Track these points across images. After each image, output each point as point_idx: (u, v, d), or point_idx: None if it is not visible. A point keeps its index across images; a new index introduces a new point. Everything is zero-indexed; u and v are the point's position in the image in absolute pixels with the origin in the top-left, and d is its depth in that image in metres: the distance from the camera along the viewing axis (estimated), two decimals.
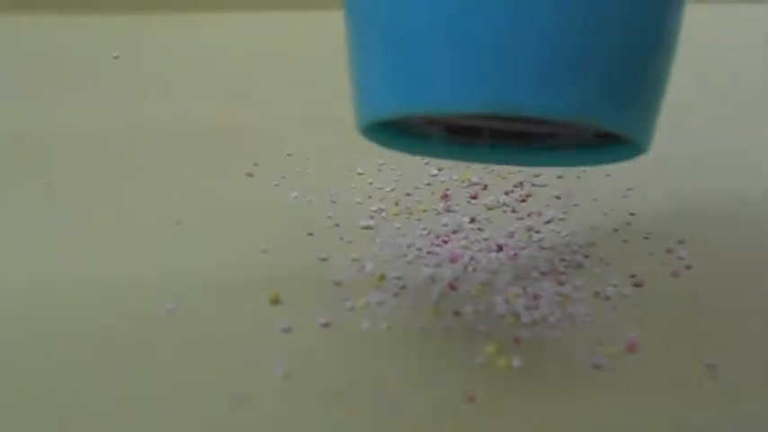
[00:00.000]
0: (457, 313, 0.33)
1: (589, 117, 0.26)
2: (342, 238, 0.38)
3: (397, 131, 0.32)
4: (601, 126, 0.27)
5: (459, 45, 0.26)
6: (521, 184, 0.43)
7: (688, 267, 0.36)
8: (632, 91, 0.27)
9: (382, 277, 0.35)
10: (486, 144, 0.33)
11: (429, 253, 0.37)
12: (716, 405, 0.29)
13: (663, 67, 0.28)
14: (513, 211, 0.41)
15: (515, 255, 0.37)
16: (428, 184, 0.43)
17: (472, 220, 0.40)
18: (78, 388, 0.28)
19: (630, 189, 0.43)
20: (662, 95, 0.29)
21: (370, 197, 0.42)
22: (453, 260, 0.36)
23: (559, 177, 0.44)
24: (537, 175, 0.44)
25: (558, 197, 0.42)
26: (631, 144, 0.30)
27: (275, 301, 0.33)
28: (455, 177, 0.44)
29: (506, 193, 0.43)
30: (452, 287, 0.35)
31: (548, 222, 0.40)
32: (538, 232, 0.39)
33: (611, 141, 0.32)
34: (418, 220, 0.40)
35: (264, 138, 0.48)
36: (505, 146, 0.33)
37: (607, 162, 0.32)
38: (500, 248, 0.37)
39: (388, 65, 0.27)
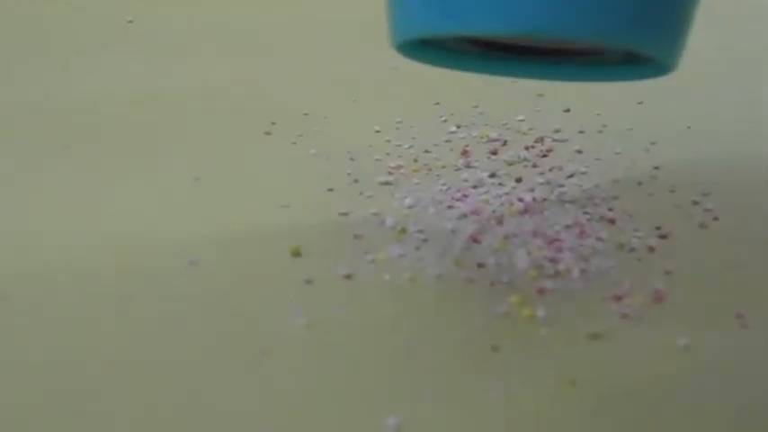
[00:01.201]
0: (480, 265, 0.32)
1: (616, 41, 0.27)
2: (361, 194, 0.38)
3: (430, 46, 0.33)
4: (624, 48, 0.28)
5: None
6: (541, 140, 0.43)
7: (715, 219, 0.35)
8: (657, 13, 0.27)
9: (403, 230, 0.35)
10: (520, 59, 0.33)
11: (450, 207, 0.37)
12: (746, 353, 0.28)
13: None
14: (534, 166, 0.40)
15: (538, 209, 0.36)
16: (447, 141, 0.43)
17: (492, 176, 0.39)
18: (99, 344, 0.28)
19: (654, 143, 0.42)
20: (691, 20, 0.29)
21: (388, 154, 0.41)
22: (476, 213, 0.36)
23: (581, 132, 0.43)
24: (558, 131, 0.43)
25: (580, 152, 0.41)
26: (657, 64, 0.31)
27: (296, 253, 0.33)
28: (474, 134, 0.43)
29: (527, 149, 0.42)
30: (475, 240, 0.34)
31: (570, 177, 0.39)
32: (560, 186, 0.38)
33: (639, 59, 0.32)
34: (437, 176, 0.39)
35: (281, 97, 0.47)
36: (539, 61, 0.33)
37: (641, 78, 0.32)
38: (521, 201, 0.37)
39: None
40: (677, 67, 0.30)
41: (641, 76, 0.32)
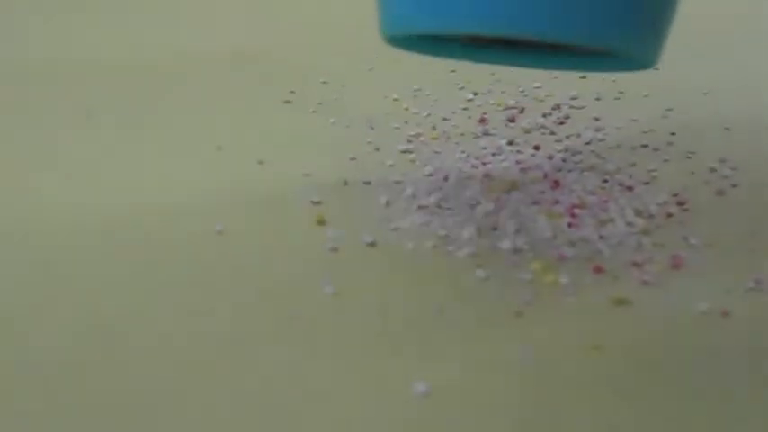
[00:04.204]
0: (501, 233, 0.33)
1: (600, 43, 0.28)
2: (382, 163, 0.38)
3: (417, 36, 0.34)
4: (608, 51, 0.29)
5: None
6: (558, 107, 0.43)
7: (734, 186, 0.36)
8: (634, 15, 0.28)
9: (425, 198, 0.35)
10: (507, 49, 0.34)
11: (470, 176, 0.37)
12: (764, 318, 0.29)
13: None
14: (552, 134, 0.41)
15: (556, 176, 0.37)
16: (464, 109, 0.43)
17: (510, 143, 0.40)
18: (128, 311, 0.29)
19: (670, 109, 0.42)
20: (670, 15, 0.30)
21: (406, 122, 0.42)
22: (496, 180, 0.36)
23: (597, 100, 0.44)
24: (574, 98, 0.44)
25: (597, 119, 0.42)
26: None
27: (321, 222, 0.33)
28: (491, 102, 0.44)
29: (544, 116, 0.42)
30: (496, 207, 0.35)
31: (587, 144, 0.40)
32: (578, 153, 0.39)
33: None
34: (456, 143, 0.40)
35: (299, 66, 0.47)
36: (524, 51, 0.34)
37: (625, 69, 0.33)
38: (540, 168, 0.37)
39: None
40: (657, 61, 0.31)
41: (625, 68, 0.33)
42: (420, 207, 0.35)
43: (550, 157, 0.38)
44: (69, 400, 0.25)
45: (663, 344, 0.28)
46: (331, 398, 0.25)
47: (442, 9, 0.28)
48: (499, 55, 0.35)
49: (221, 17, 0.53)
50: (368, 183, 0.36)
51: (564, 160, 0.38)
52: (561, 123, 0.42)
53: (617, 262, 0.31)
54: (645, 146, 0.39)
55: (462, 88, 0.45)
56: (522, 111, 0.43)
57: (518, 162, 0.38)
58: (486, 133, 0.41)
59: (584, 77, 0.46)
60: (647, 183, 0.36)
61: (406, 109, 0.43)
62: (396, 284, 0.30)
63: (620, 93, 0.44)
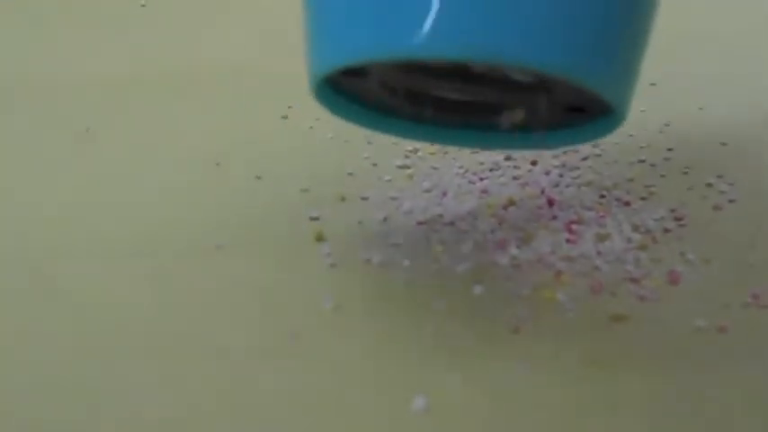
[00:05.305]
0: (500, 247, 0.33)
1: (571, 73, 0.25)
2: (380, 178, 0.38)
3: (351, 101, 0.31)
4: (581, 83, 0.25)
5: None
6: None
7: (731, 201, 0.36)
8: (612, 48, 0.26)
9: (423, 214, 0.35)
10: (449, 124, 0.31)
11: (467, 192, 0.37)
12: (762, 334, 0.29)
13: (643, 25, 0.27)
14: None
15: (553, 192, 0.37)
16: None
17: (508, 158, 0.40)
18: (127, 327, 0.29)
19: (667, 125, 0.42)
20: (640, 58, 0.28)
21: None
22: (494, 196, 0.36)
23: None
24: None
25: None
26: (606, 117, 0.29)
27: (319, 237, 0.33)
28: None
29: None
30: (494, 223, 0.35)
31: (584, 159, 0.40)
32: (575, 169, 0.39)
33: (581, 119, 0.30)
34: (454, 158, 0.40)
35: (296, 81, 0.47)
36: (469, 127, 0.32)
37: (582, 140, 0.31)
38: (537, 184, 0.37)
39: (351, 3, 0.25)
40: (626, 116, 0.28)
41: (582, 139, 0.30)
42: (418, 223, 0.35)
43: (547, 173, 0.38)
44: (66, 412, 0.25)
45: (660, 360, 0.28)
46: (330, 413, 0.25)
47: (386, 28, 0.25)
48: (438, 132, 0.32)
49: (218, 32, 0.54)
50: (365, 198, 0.36)
51: (561, 175, 0.38)
52: None
53: (615, 278, 0.31)
54: (642, 161, 0.39)
55: None
56: None
57: (515, 177, 0.38)
58: None
59: None
60: (644, 198, 0.37)
61: None
62: (394, 300, 0.30)
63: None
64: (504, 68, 0.27)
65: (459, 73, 0.29)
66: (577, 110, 0.31)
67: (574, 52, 0.25)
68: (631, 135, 0.42)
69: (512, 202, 0.36)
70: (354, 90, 0.31)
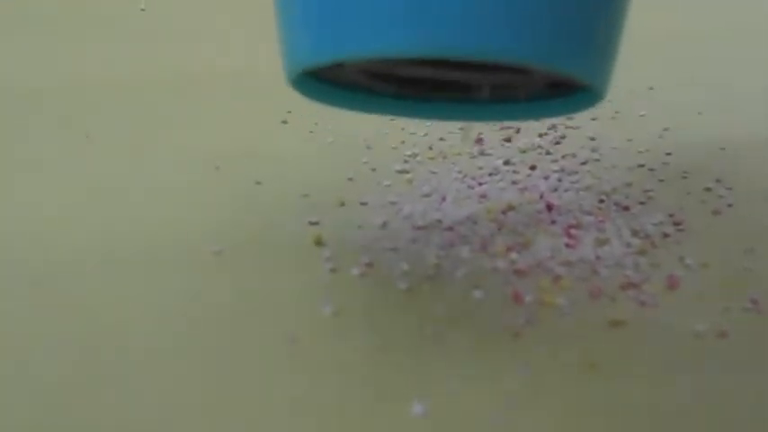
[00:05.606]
0: (499, 252, 0.33)
1: (541, 61, 0.25)
2: (379, 183, 0.38)
3: (329, 83, 0.31)
4: (553, 71, 0.25)
5: None
6: (554, 127, 0.43)
7: (729, 206, 0.36)
8: (586, 33, 0.26)
9: (422, 219, 0.35)
10: (430, 98, 0.31)
11: (466, 196, 0.37)
12: (761, 338, 0.29)
13: (618, 8, 0.27)
14: (548, 153, 0.41)
15: (552, 196, 0.37)
16: (461, 129, 0.43)
17: (507, 163, 0.40)
18: (127, 332, 0.29)
19: (666, 129, 0.42)
20: (618, 38, 0.27)
21: (403, 142, 0.42)
22: (493, 200, 0.36)
23: (593, 119, 0.44)
24: (570, 118, 0.44)
25: (593, 138, 0.42)
26: (586, 92, 0.29)
27: (319, 242, 0.33)
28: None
29: (540, 136, 0.43)
30: (493, 227, 0.35)
31: (583, 164, 0.40)
32: (574, 173, 0.39)
33: (564, 91, 0.30)
34: (453, 163, 0.40)
35: None
36: (450, 100, 0.31)
37: (562, 113, 0.30)
38: (537, 188, 0.37)
39: (320, 3, 0.25)
40: (606, 93, 0.28)
41: (568, 110, 0.30)
42: (417, 227, 0.35)
43: (546, 178, 0.39)
44: (64, 419, 0.25)
45: (659, 365, 0.28)
46: (330, 418, 0.25)
47: (348, 31, 0.25)
48: (422, 107, 0.31)
49: (218, 37, 0.54)
50: (365, 203, 0.36)
51: (560, 180, 0.38)
52: (557, 143, 0.42)
53: (614, 282, 0.32)
54: (641, 166, 0.39)
55: None
56: (518, 131, 0.43)
57: (514, 182, 0.38)
58: (482, 153, 0.41)
59: None
60: (643, 203, 0.37)
61: (403, 129, 0.43)
62: (394, 305, 0.30)
63: (616, 113, 0.45)
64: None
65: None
66: (557, 86, 0.30)
67: (542, 41, 0.25)
68: (630, 140, 0.42)
69: (511, 207, 0.36)
70: (329, 75, 0.31)
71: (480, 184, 0.38)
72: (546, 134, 0.43)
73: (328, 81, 0.31)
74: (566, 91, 0.30)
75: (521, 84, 0.31)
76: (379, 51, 0.25)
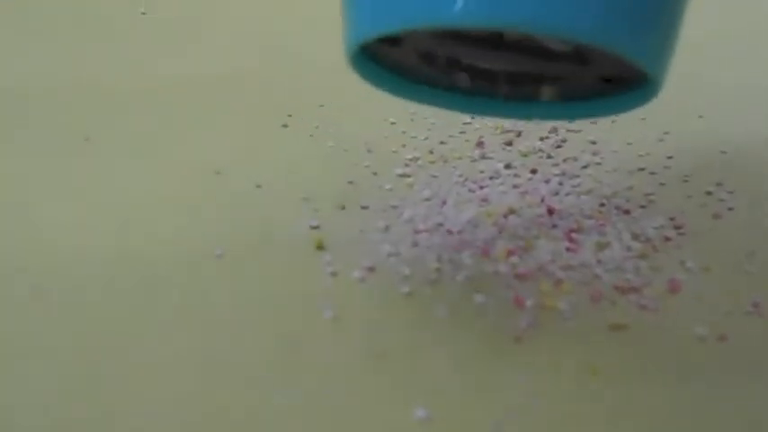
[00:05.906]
0: (500, 256, 0.33)
1: (607, 41, 0.25)
2: (380, 187, 0.38)
3: (387, 70, 0.31)
4: (617, 52, 0.25)
5: None
6: (555, 130, 0.43)
7: (730, 209, 0.36)
8: (650, 15, 0.26)
9: (423, 223, 0.35)
10: (479, 94, 0.32)
11: (468, 200, 0.37)
12: (763, 342, 0.29)
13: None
14: (549, 157, 0.41)
15: (553, 200, 0.37)
16: (462, 132, 0.43)
17: (508, 167, 0.40)
18: (128, 336, 0.29)
19: (667, 133, 0.42)
20: (678, 29, 0.28)
21: (404, 146, 0.42)
22: (494, 204, 0.36)
23: (593, 123, 0.44)
24: (571, 122, 0.44)
25: (594, 142, 0.42)
26: (641, 88, 0.29)
27: (320, 246, 0.33)
28: (489, 125, 0.44)
29: (541, 140, 0.43)
30: (494, 232, 0.35)
31: (584, 167, 0.40)
32: (575, 177, 0.39)
33: (614, 90, 0.31)
34: (454, 167, 0.40)
35: (296, 89, 0.47)
36: (496, 97, 0.32)
37: (612, 112, 0.31)
38: (537, 192, 0.37)
39: None
40: (662, 87, 0.28)
41: (618, 109, 0.31)
42: (418, 231, 0.35)
43: (547, 181, 0.38)
44: (65, 425, 0.25)
45: (660, 368, 0.28)
46: (331, 423, 0.25)
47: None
48: (472, 101, 0.32)
49: (218, 41, 0.54)
50: (365, 207, 0.36)
51: (561, 184, 0.38)
52: (558, 147, 0.42)
53: (615, 286, 0.32)
54: (642, 169, 0.39)
55: None
56: (519, 134, 0.43)
57: (515, 186, 0.38)
58: (483, 157, 0.41)
59: None
60: (643, 206, 0.37)
61: (404, 132, 0.43)
62: (395, 309, 0.30)
63: (617, 117, 0.44)
64: (539, 37, 0.27)
65: (493, 42, 0.29)
66: (613, 80, 0.31)
67: (610, 21, 0.25)
68: (631, 143, 0.42)
69: (512, 211, 0.36)
70: (390, 60, 0.31)
71: (481, 187, 0.38)
72: (547, 138, 0.42)
73: (388, 65, 0.31)
74: (619, 89, 0.30)
75: (572, 77, 0.31)
76: (447, 20, 0.25)
